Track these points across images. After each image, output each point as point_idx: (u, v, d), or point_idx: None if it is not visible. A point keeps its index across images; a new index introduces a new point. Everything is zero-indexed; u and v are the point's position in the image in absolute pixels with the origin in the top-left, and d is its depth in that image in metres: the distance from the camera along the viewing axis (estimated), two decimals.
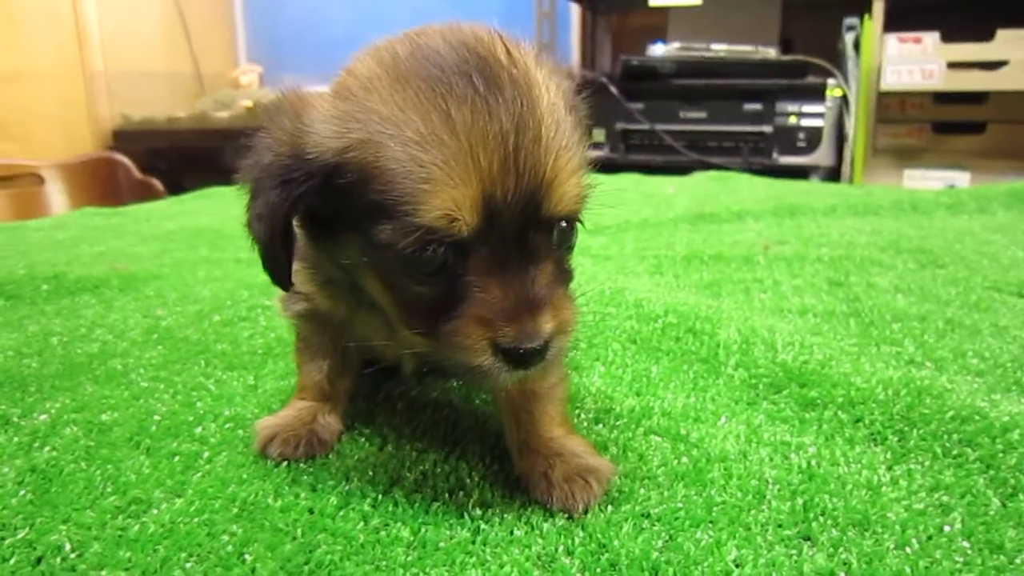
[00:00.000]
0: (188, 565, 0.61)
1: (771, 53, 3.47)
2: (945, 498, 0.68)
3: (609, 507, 0.68)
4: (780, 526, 0.64)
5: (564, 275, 0.65)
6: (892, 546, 0.61)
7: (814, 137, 3.29)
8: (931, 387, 0.86)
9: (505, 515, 0.67)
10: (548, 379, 0.76)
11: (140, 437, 0.83)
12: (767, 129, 3.39)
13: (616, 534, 0.63)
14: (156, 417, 0.89)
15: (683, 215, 2.08)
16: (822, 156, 3.30)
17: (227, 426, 0.86)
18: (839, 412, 0.84)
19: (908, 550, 0.61)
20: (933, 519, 0.65)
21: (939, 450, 0.76)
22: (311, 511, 0.69)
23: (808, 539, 0.63)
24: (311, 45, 4.71)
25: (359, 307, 0.74)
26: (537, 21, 3.72)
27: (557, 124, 0.60)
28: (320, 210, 0.63)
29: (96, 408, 0.90)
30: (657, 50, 3.61)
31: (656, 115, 3.55)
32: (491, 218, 0.57)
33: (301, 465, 0.78)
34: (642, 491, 0.70)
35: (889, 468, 0.73)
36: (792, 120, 3.32)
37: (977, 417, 0.79)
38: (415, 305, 0.63)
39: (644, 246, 1.75)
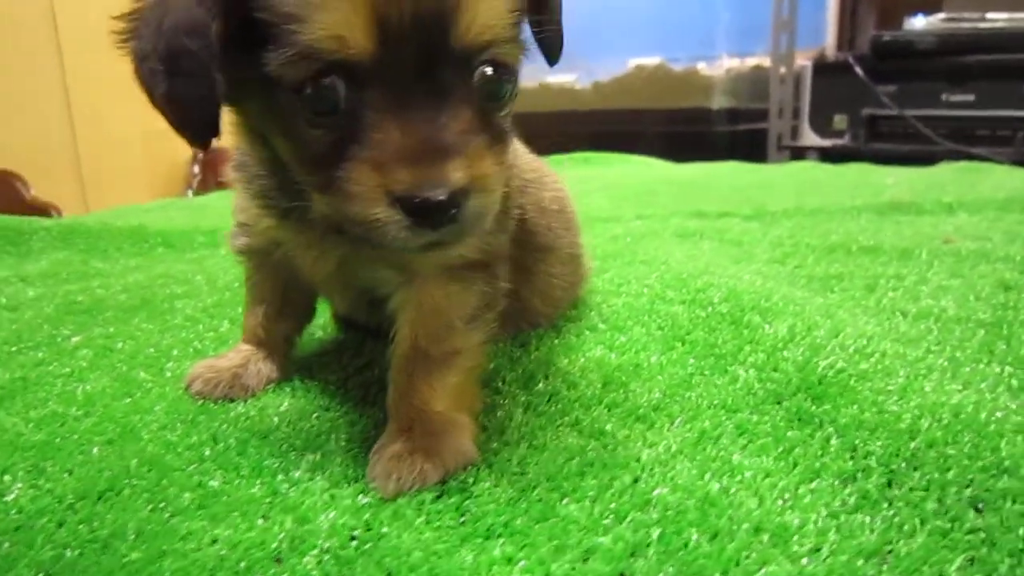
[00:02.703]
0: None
1: None
2: None
3: (434, 498, 0.56)
4: (654, 570, 0.48)
5: (493, 133, 0.55)
6: None
7: None
8: (989, 423, 0.60)
9: (322, 484, 0.58)
10: (447, 343, 0.66)
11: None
12: None
13: (401, 529, 0.52)
14: (150, 350, 0.93)
15: (872, 204, 1.75)
16: None
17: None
18: (833, 436, 0.62)
19: None
20: None
21: (934, 506, 0.52)
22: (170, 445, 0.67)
23: None
24: None
25: (289, 222, 0.67)
26: None
27: None
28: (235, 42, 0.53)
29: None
30: (917, 23, 3.08)
31: (910, 99, 3.04)
32: (388, 43, 0.49)
33: (213, 405, 0.76)
34: (488, 487, 0.57)
35: (834, 516, 0.52)
36: None
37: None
38: (313, 154, 0.54)
39: (793, 234, 1.49)
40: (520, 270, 0.81)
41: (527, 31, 0.60)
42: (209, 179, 3.02)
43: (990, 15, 2.88)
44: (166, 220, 1.88)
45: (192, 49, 0.51)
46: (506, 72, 0.55)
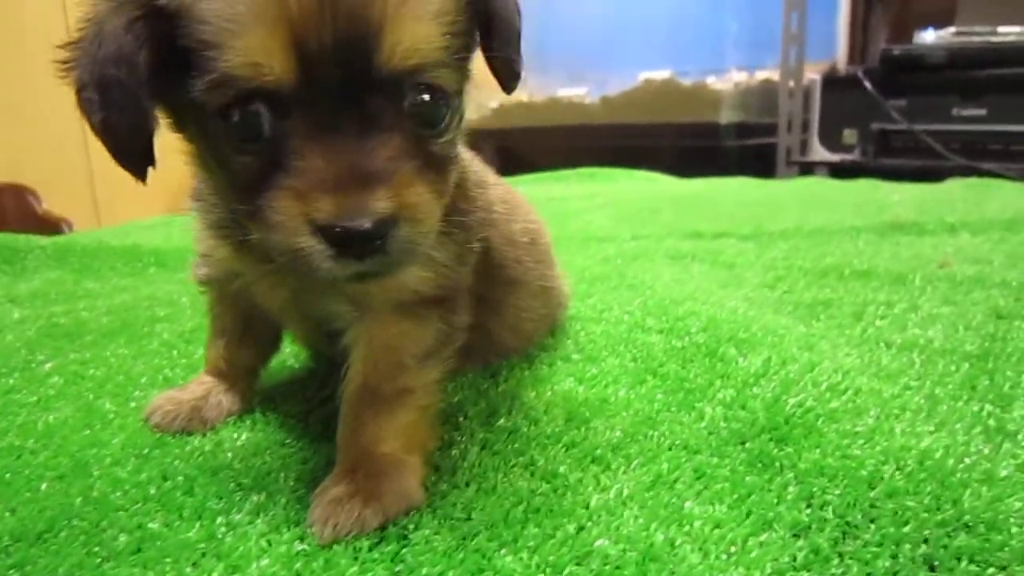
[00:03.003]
0: None
1: None
2: None
3: (371, 545, 0.54)
4: None
5: (430, 160, 0.53)
6: None
7: None
8: (955, 471, 0.57)
9: (261, 528, 0.57)
10: (398, 381, 0.65)
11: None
12: None
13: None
14: (120, 377, 0.93)
15: (873, 224, 1.72)
16: None
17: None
18: (792, 483, 0.60)
19: None
20: None
21: (886, 563, 0.49)
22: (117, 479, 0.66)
23: None
24: (570, 48, 4.74)
25: (244, 252, 0.65)
26: (785, 10, 3.33)
27: None
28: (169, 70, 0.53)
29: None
30: (927, 37, 3.04)
31: (921, 113, 3.00)
32: (309, 68, 0.48)
33: (170, 438, 0.75)
34: (427, 534, 0.55)
35: (780, 574, 0.49)
36: None
37: (983, 527, 0.50)
38: (241, 181, 0.53)
39: (787, 256, 1.46)
40: (488, 304, 0.80)
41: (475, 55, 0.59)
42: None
43: (1002, 29, 2.83)
44: (164, 238, 1.88)
45: (121, 78, 0.51)
46: (443, 97, 0.53)
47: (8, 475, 0.68)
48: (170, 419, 0.77)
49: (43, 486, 0.66)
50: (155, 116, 0.54)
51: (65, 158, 2.60)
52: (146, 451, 0.72)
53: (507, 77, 0.61)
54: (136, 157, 0.55)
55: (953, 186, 2.42)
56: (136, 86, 0.51)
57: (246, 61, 0.47)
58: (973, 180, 2.50)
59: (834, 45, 3.91)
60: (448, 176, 0.57)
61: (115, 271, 1.60)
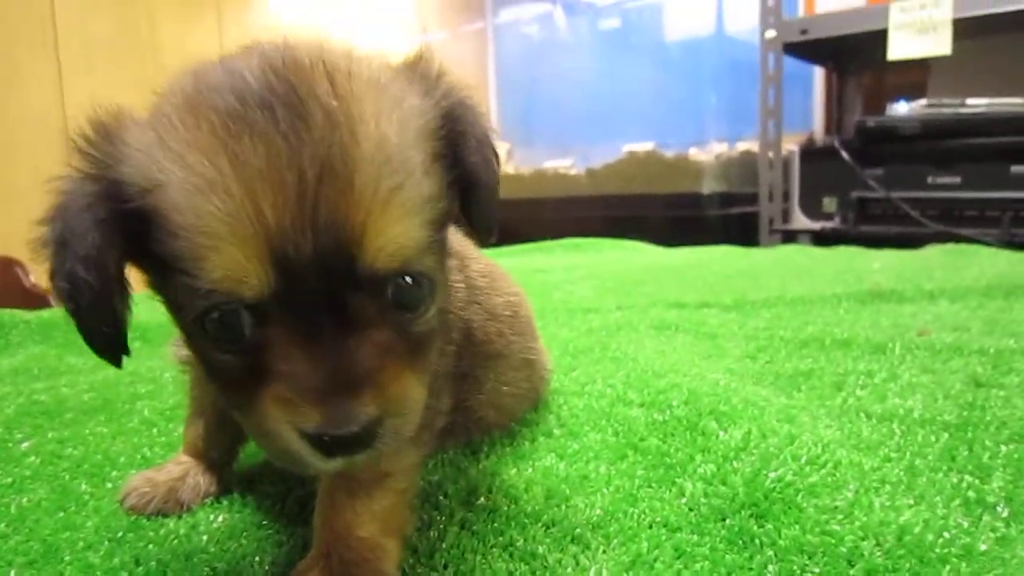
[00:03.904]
0: None
1: None
2: None
3: None
4: None
5: (412, 341, 0.52)
6: None
7: None
8: (934, 547, 0.57)
9: None
10: (376, 466, 0.64)
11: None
12: None
13: None
14: (98, 457, 0.92)
15: (854, 292, 1.74)
16: None
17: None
18: (772, 561, 0.60)
19: None
20: None
21: None
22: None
23: None
24: (556, 121, 4.86)
25: None
26: (762, 85, 3.45)
27: (384, 164, 0.48)
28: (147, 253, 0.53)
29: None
30: (899, 108, 3.14)
31: (897, 182, 3.08)
32: (288, 280, 0.46)
33: (146, 520, 0.74)
34: None
35: None
36: None
37: None
38: (225, 376, 0.53)
39: (769, 326, 1.48)
40: (469, 380, 0.80)
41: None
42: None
43: (970, 101, 2.94)
44: (149, 310, 1.87)
45: (90, 282, 0.50)
46: (423, 278, 0.53)
47: None
48: (145, 501, 0.76)
49: (11, 573, 0.64)
50: (127, 314, 0.53)
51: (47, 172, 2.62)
52: (119, 534, 0.71)
53: (484, 234, 0.61)
54: (107, 350, 0.54)
55: (931, 253, 2.46)
56: (106, 289, 0.50)
57: (223, 276, 0.46)
58: (951, 246, 2.55)
59: (811, 117, 4.04)
60: (430, 349, 0.57)
61: None
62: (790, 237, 3.37)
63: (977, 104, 2.93)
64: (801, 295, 1.75)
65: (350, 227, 0.46)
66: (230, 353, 0.50)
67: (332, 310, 0.48)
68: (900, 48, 2.96)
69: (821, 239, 3.22)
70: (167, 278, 0.49)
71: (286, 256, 0.46)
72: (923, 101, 3.09)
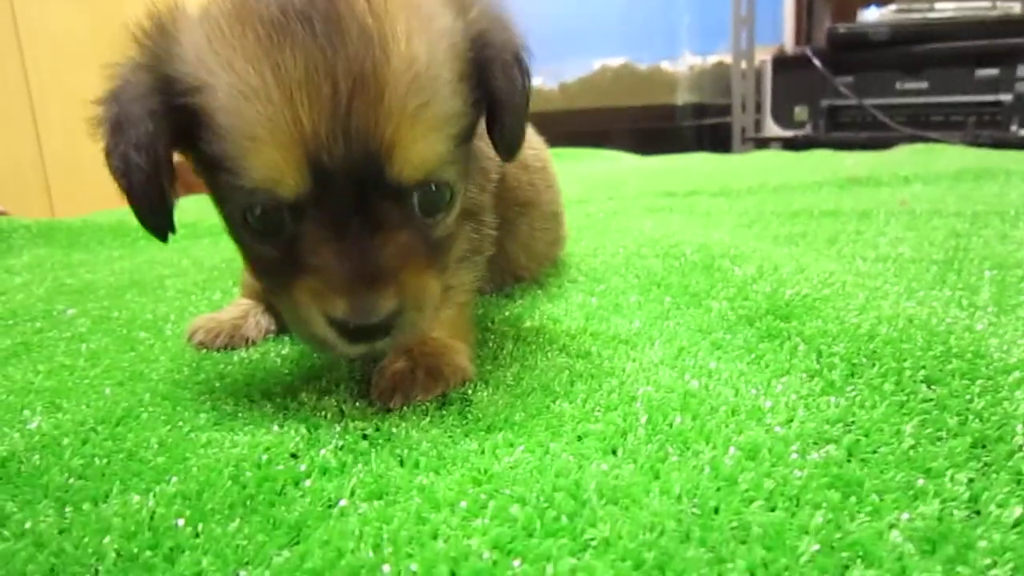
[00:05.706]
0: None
1: (1016, 8, 2.92)
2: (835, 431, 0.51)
3: (437, 406, 0.60)
4: (644, 443, 0.52)
5: (432, 243, 0.59)
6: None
7: None
8: (940, 326, 0.66)
9: (329, 402, 0.62)
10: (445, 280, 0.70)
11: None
12: (1005, 98, 2.86)
13: (409, 428, 0.56)
14: (148, 316, 0.96)
15: (832, 180, 1.82)
16: None
17: None
18: (800, 344, 0.68)
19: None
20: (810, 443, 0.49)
21: (892, 387, 0.57)
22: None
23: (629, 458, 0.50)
24: (528, 38, 4.80)
25: None
26: None
27: (413, 81, 0.52)
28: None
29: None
30: (870, 15, 3.19)
31: (868, 89, 3.15)
32: (322, 182, 0.52)
33: (216, 353, 0.79)
34: (487, 395, 0.61)
35: (803, 399, 0.57)
36: None
37: (970, 355, 0.59)
38: (265, 266, 0.60)
39: (758, 205, 1.56)
40: (504, 224, 0.86)
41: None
42: (179, 189, 3.03)
43: (939, 5, 3.00)
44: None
45: (142, 165, 0.55)
46: (445, 187, 0.58)
47: (69, 384, 0.72)
48: (212, 336, 0.81)
49: (107, 390, 0.70)
50: (174, 194, 0.59)
51: (19, 163, 2.57)
52: (196, 363, 0.77)
53: (512, 149, 0.65)
54: (156, 226, 0.60)
55: (902, 151, 2.56)
56: (156, 172, 0.56)
57: (263, 177, 0.52)
58: (919, 146, 2.65)
59: (781, 28, 4.07)
60: (449, 251, 0.62)
61: (104, 245, 1.61)
62: (762, 145, 3.44)
63: (945, 8, 3.00)
64: (783, 183, 1.83)
65: (379, 139, 0.52)
66: (269, 245, 0.57)
67: (360, 213, 0.53)
68: None
69: (793, 146, 3.30)
70: (212, 173, 0.55)
71: (320, 161, 0.51)
72: (893, 6, 3.14)
